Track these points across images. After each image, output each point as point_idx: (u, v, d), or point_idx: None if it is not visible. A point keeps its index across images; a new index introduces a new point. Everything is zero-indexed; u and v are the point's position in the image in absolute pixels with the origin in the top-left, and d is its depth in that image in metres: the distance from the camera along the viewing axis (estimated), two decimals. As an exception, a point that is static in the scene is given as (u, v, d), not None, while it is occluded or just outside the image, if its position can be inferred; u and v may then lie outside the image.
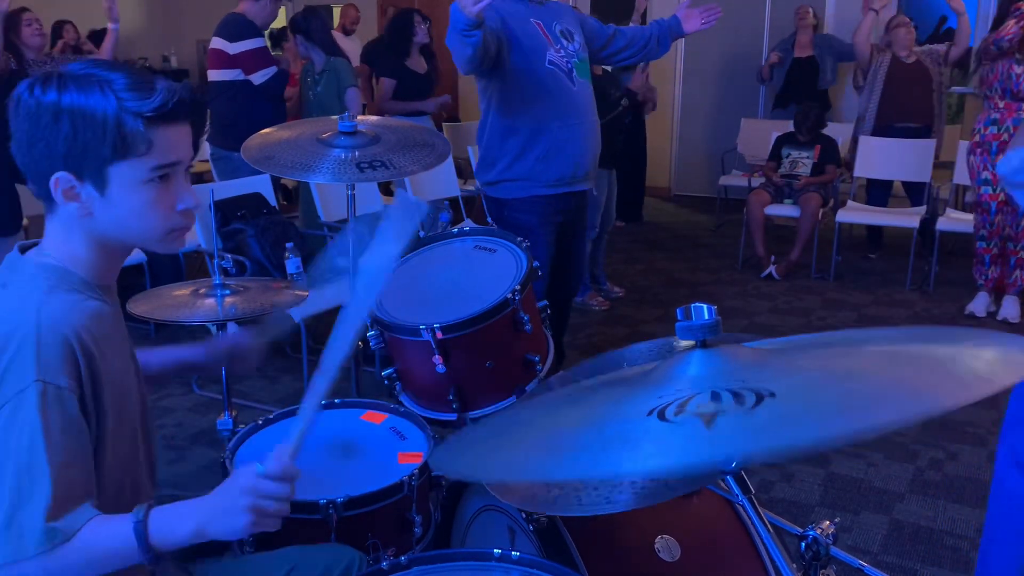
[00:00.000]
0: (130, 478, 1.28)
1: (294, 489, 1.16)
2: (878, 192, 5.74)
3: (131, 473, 1.29)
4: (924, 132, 5.50)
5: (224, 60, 4.20)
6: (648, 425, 0.91)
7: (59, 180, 1.17)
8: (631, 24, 5.42)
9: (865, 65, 5.62)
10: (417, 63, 5.31)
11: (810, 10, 6.53)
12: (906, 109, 5.51)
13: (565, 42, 2.93)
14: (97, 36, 7.70)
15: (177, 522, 1.14)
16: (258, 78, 4.18)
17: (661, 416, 0.92)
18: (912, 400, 0.85)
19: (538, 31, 2.88)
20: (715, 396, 0.93)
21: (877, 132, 5.58)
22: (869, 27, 5.56)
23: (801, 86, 6.49)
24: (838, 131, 6.03)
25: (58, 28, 6.35)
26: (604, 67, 4.62)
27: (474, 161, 5.02)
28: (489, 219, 3.13)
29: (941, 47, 5.57)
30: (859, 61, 5.69)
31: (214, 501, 1.15)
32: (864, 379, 0.95)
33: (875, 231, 6.00)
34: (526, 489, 1.40)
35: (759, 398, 0.90)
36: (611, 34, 3.16)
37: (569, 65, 2.91)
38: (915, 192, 5.56)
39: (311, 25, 4.63)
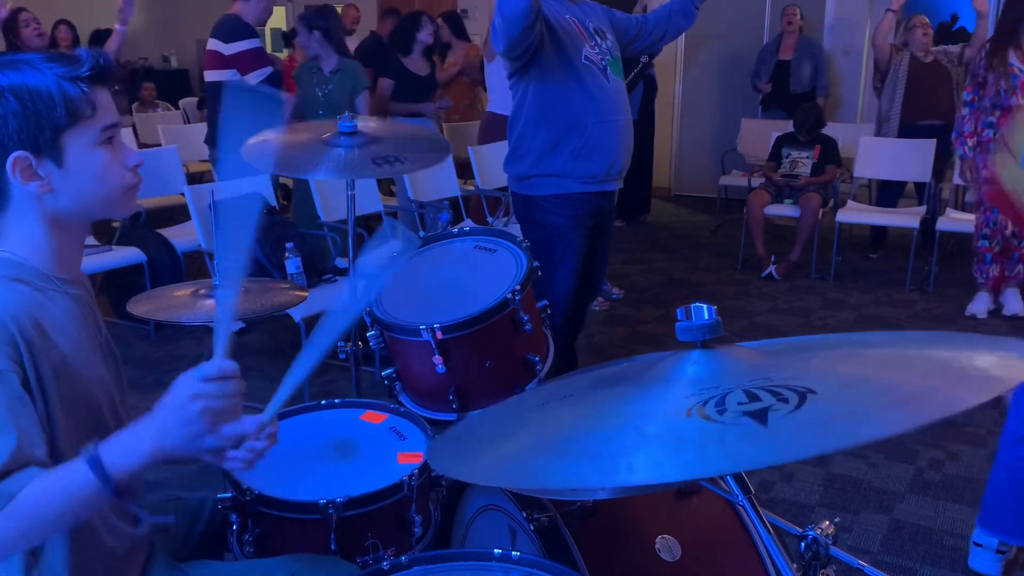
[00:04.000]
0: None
1: (241, 383, 1.17)
2: (889, 193, 5.73)
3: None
4: (948, 129, 5.40)
5: (220, 61, 4.20)
6: (695, 425, 0.88)
7: (18, 159, 1.19)
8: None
9: (884, 66, 5.58)
10: (418, 65, 5.31)
11: (797, 12, 6.53)
12: (929, 107, 5.48)
13: (599, 39, 2.92)
14: (100, 36, 7.71)
15: (132, 445, 1.12)
16: (253, 78, 4.16)
17: (703, 415, 0.89)
18: (943, 398, 0.84)
19: (574, 27, 2.87)
20: (751, 395, 0.91)
21: (902, 131, 5.55)
22: (887, 28, 5.52)
23: (780, 90, 6.57)
24: (837, 131, 6.02)
25: (53, 29, 6.34)
26: None
27: (475, 161, 5.03)
28: (517, 216, 3.07)
29: (955, 48, 5.55)
30: (877, 62, 5.66)
31: (164, 416, 1.14)
32: (891, 378, 0.93)
33: (879, 231, 5.99)
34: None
35: (802, 396, 0.88)
36: (639, 23, 3.15)
37: (604, 62, 2.89)
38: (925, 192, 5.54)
39: (331, 23, 4.65)
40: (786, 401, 0.88)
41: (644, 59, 4.39)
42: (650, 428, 0.91)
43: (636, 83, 4.52)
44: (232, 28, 4.19)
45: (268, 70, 4.22)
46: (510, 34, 2.63)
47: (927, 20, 5.58)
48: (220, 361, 1.16)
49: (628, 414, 0.97)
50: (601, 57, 2.90)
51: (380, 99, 5.26)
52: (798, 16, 6.52)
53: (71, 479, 1.10)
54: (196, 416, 1.13)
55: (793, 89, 6.52)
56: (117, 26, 4.65)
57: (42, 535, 1.15)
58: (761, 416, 0.85)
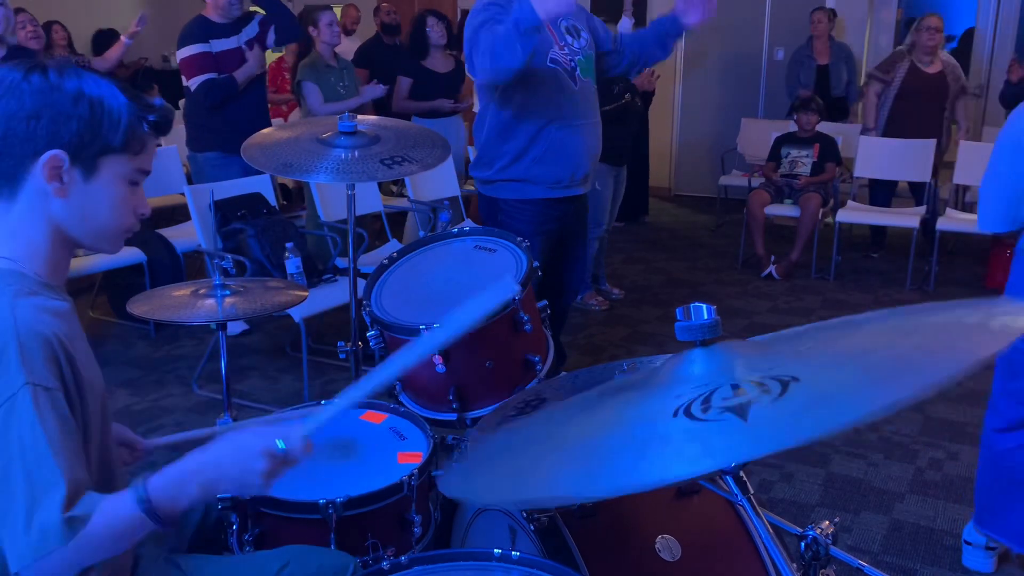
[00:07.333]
0: (106, 466, 1.30)
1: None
2: (881, 192, 5.73)
3: (107, 461, 1.31)
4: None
5: (180, 65, 4.27)
6: (680, 426, 0.88)
7: (53, 158, 1.19)
8: (623, 19, 5.40)
9: (888, 78, 5.55)
10: (439, 63, 5.27)
11: (825, 16, 6.33)
12: (913, 126, 5.38)
13: (570, 39, 2.80)
14: (100, 37, 7.70)
15: (181, 487, 1.16)
16: (192, 84, 4.19)
17: (688, 414, 0.89)
18: (934, 365, 0.83)
19: (543, 28, 2.74)
20: (736, 388, 0.91)
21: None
22: (873, 101, 5.61)
23: (820, 95, 6.28)
24: (838, 131, 6.00)
25: (47, 29, 6.31)
26: None
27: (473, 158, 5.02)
28: (482, 218, 3.08)
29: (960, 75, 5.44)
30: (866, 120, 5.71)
31: (224, 464, 1.17)
32: (880, 353, 0.93)
33: (878, 230, 5.98)
34: None
35: (784, 385, 0.88)
36: (615, 40, 3.04)
37: (572, 64, 2.78)
38: (919, 192, 5.54)
39: None
40: (768, 392, 0.88)
41: (627, 96, 4.46)
42: (638, 432, 0.92)
43: (622, 116, 4.54)
44: (186, 33, 4.21)
45: (202, 78, 4.11)
46: (495, 80, 2.64)
47: (938, 23, 5.35)
48: (305, 440, 1.18)
49: (625, 420, 0.98)
50: (570, 58, 2.78)
51: (396, 97, 5.25)
52: (825, 21, 6.31)
53: (121, 510, 1.12)
54: (256, 471, 1.15)
55: (834, 93, 6.33)
56: (124, 38, 4.77)
57: (92, 561, 1.14)
58: (742, 411, 0.86)
